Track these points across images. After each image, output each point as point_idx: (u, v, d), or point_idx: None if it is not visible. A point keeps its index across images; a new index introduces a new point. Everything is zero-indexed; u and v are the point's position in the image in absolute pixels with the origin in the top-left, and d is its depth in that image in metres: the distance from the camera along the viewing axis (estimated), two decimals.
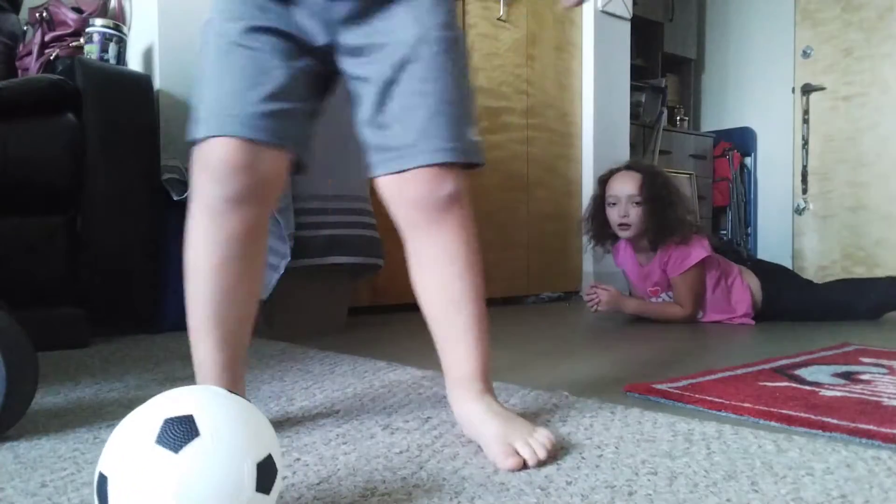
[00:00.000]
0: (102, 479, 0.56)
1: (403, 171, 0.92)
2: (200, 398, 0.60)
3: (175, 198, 2.02)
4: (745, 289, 2.42)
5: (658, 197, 2.33)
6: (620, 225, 2.39)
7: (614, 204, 2.39)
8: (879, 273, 3.86)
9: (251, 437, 0.59)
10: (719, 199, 4.59)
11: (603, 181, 2.47)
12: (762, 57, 4.62)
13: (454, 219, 0.96)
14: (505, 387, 1.29)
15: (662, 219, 2.33)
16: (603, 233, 2.49)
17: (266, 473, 0.58)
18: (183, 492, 0.54)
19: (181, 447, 0.55)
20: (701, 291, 2.41)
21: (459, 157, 0.95)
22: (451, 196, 0.95)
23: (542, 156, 3.28)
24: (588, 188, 3.46)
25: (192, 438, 0.56)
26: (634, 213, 2.36)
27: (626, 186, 2.37)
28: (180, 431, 0.56)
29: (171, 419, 0.56)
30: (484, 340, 0.98)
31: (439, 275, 0.97)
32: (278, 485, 0.61)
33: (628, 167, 2.46)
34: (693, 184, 4.39)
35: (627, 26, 3.64)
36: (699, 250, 2.34)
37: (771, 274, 2.52)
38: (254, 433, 0.60)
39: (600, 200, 2.46)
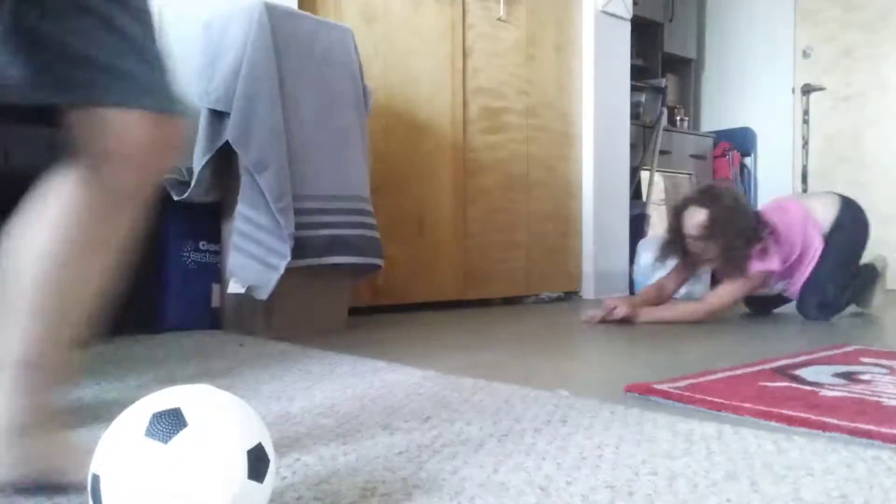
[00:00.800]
0: (95, 479, 0.56)
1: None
2: (186, 393, 0.61)
3: (175, 198, 2.02)
4: (813, 239, 2.56)
5: (724, 234, 2.43)
6: (705, 259, 2.54)
7: (689, 238, 2.51)
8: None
9: (239, 426, 0.60)
10: None
11: (677, 213, 2.58)
12: (762, 57, 4.61)
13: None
14: (505, 387, 1.29)
15: (728, 256, 2.45)
16: (676, 251, 2.61)
17: (257, 461, 0.59)
18: (175, 481, 0.55)
19: (170, 438, 0.55)
20: (736, 301, 2.55)
21: None
22: None
23: (542, 156, 3.28)
24: (588, 188, 3.46)
25: (181, 429, 0.56)
26: (709, 248, 2.48)
27: (695, 223, 2.47)
28: (168, 423, 0.56)
29: (159, 413, 0.57)
30: None
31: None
32: (272, 474, 0.61)
33: (698, 200, 2.53)
34: (693, 184, 4.39)
35: (627, 26, 3.64)
36: (762, 264, 2.46)
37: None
38: (242, 422, 0.60)
39: (676, 228, 2.57)
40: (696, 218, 2.47)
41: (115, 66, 0.73)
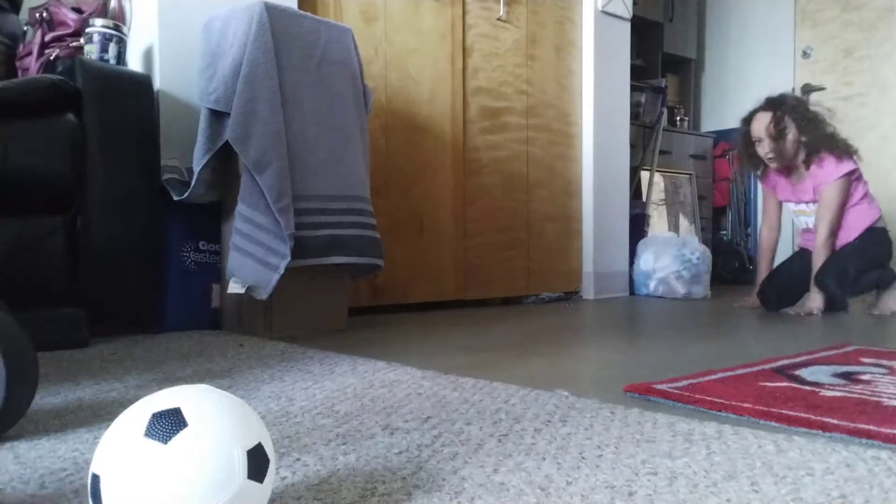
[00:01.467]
0: (95, 480, 0.56)
1: None
2: (186, 393, 0.61)
3: (175, 198, 2.02)
4: (864, 215, 2.76)
5: (790, 127, 2.70)
6: (769, 159, 2.79)
7: (759, 142, 2.77)
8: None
9: (239, 426, 0.60)
10: (719, 199, 4.60)
11: (746, 121, 2.86)
12: (762, 57, 4.61)
13: None
14: (505, 387, 1.29)
15: (810, 139, 2.70)
16: (755, 163, 2.88)
17: (257, 461, 0.59)
18: (175, 481, 0.55)
19: (170, 438, 0.56)
20: (843, 203, 2.73)
21: None
22: None
23: (542, 156, 3.28)
24: (588, 188, 3.46)
25: (181, 429, 0.56)
26: (775, 148, 2.72)
27: (761, 127, 2.75)
28: (168, 423, 0.56)
29: (159, 413, 0.57)
30: None
31: None
32: (272, 474, 0.61)
33: (763, 108, 2.80)
34: (693, 184, 4.39)
35: (627, 26, 3.64)
36: (847, 163, 2.68)
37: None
38: (242, 422, 0.60)
39: (747, 136, 2.83)
40: (762, 121, 2.73)
41: None
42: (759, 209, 4.65)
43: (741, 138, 2.90)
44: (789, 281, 2.89)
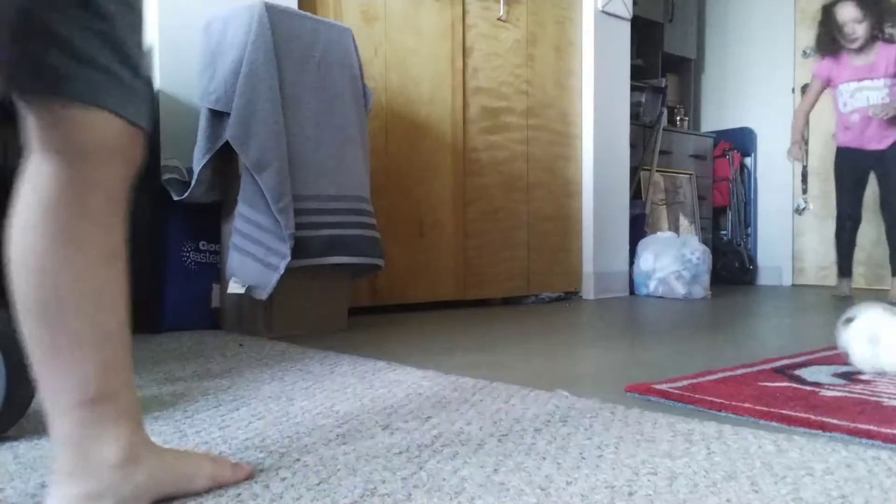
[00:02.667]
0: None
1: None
2: None
3: (175, 198, 2.02)
4: None
5: (868, 12, 3.23)
6: (851, 40, 3.26)
7: (841, 27, 3.25)
8: (881, 273, 3.85)
9: None
10: (719, 199, 4.59)
11: (828, 11, 3.33)
12: (762, 57, 4.61)
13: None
14: (505, 387, 1.29)
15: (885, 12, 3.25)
16: (829, 44, 3.35)
17: None
18: None
19: None
20: None
21: None
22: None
23: (542, 156, 3.28)
24: (588, 188, 3.46)
25: None
26: (860, 29, 3.23)
27: (847, 12, 3.24)
28: None
29: None
30: None
31: (123, 271, 0.73)
32: None
33: None
34: (693, 184, 4.39)
35: (627, 26, 3.64)
36: None
37: None
38: None
39: (827, 21, 3.33)
40: (847, 7, 3.23)
41: (106, 67, 0.66)
42: (760, 209, 4.65)
43: (820, 24, 3.39)
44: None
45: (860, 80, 3.32)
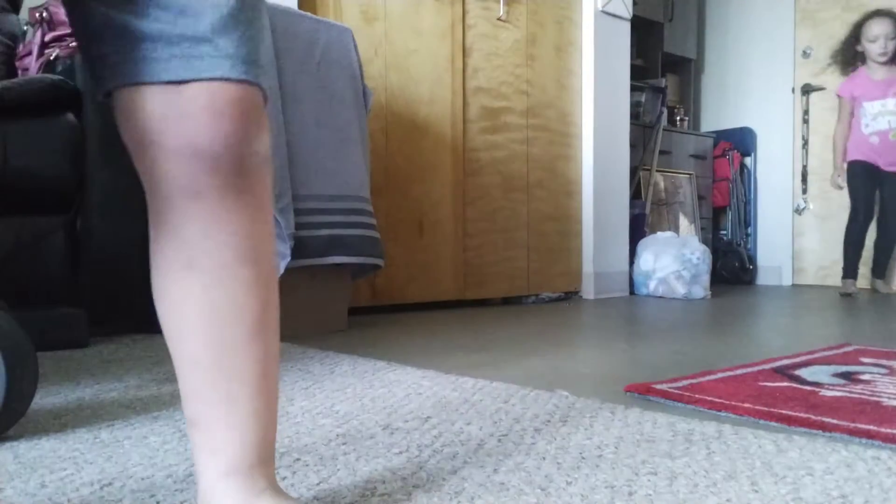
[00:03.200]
0: None
1: (187, 81, 0.53)
2: None
3: None
4: None
5: None
6: (881, 54, 3.46)
7: (873, 41, 3.45)
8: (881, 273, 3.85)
9: None
10: (719, 199, 4.59)
11: (858, 25, 3.53)
12: (762, 57, 4.61)
13: (261, 189, 0.59)
14: (505, 387, 1.29)
15: None
16: (850, 60, 3.61)
17: None
18: None
19: None
20: None
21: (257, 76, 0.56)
22: (264, 148, 0.58)
23: (542, 156, 3.28)
24: (588, 188, 3.46)
25: None
26: (892, 45, 3.43)
27: (883, 28, 3.45)
28: None
29: None
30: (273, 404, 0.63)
31: (219, 286, 0.59)
32: None
33: (879, 13, 3.50)
34: (693, 184, 4.39)
35: (627, 26, 3.64)
36: None
37: None
38: None
39: (853, 37, 3.55)
40: (882, 23, 3.43)
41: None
42: (760, 209, 4.65)
43: (847, 39, 3.61)
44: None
45: (884, 97, 3.48)
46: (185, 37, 0.52)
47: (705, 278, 3.45)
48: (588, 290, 3.45)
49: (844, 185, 3.63)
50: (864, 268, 3.68)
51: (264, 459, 0.61)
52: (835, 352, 1.73)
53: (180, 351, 0.61)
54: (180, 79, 0.52)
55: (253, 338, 0.60)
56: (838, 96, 3.69)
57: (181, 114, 0.52)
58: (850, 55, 3.62)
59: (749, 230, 4.66)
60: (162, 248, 0.59)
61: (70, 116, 1.91)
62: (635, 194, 3.90)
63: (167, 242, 0.58)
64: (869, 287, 3.79)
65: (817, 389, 1.27)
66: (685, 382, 1.33)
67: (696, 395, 1.21)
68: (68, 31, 2.31)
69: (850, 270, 3.58)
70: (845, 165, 3.64)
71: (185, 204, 0.55)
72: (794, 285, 4.48)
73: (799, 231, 4.52)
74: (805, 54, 4.45)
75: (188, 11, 0.52)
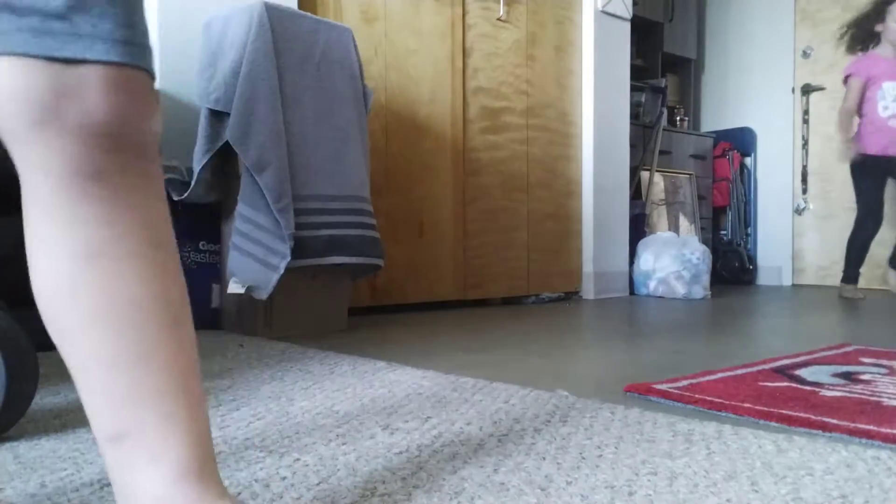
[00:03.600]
0: None
1: (74, 60, 0.48)
2: None
3: (175, 198, 2.02)
4: None
5: None
6: None
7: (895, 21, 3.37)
8: (881, 273, 3.85)
9: None
10: (719, 199, 4.59)
11: (884, 3, 3.40)
12: (762, 57, 4.62)
13: (156, 170, 0.55)
14: (505, 387, 1.29)
15: None
16: (864, 40, 3.50)
17: None
18: None
19: None
20: None
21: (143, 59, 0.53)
22: (156, 129, 0.54)
23: (542, 156, 3.28)
24: (588, 188, 3.46)
25: None
26: None
27: None
28: None
29: None
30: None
31: (132, 274, 0.54)
32: None
33: None
34: (693, 184, 4.39)
35: (627, 26, 3.64)
36: None
37: None
38: None
39: (875, 17, 3.44)
40: None
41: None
42: (760, 209, 4.65)
43: (867, 15, 3.50)
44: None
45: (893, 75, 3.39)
46: (34, 9, 0.47)
47: (705, 278, 3.45)
48: (588, 290, 3.45)
49: (854, 157, 3.44)
50: (864, 267, 3.67)
51: (210, 455, 0.56)
52: (835, 352, 1.73)
53: (90, 356, 0.53)
54: (68, 57, 0.47)
55: (177, 326, 0.56)
56: (848, 76, 3.48)
57: (65, 91, 0.48)
58: (864, 33, 3.49)
59: (749, 230, 4.66)
60: (50, 240, 0.53)
61: None
62: (635, 194, 3.90)
63: (60, 232, 0.52)
64: (879, 282, 3.78)
65: (817, 389, 1.27)
66: (685, 382, 1.33)
67: (696, 395, 1.21)
68: None
69: (851, 276, 3.50)
70: (856, 149, 3.45)
71: (84, 185, 0.50)
72: (794, 285, 4.48)
73: (799, 231, 4.52)
74: (805, 54, 4.45)
75: None
